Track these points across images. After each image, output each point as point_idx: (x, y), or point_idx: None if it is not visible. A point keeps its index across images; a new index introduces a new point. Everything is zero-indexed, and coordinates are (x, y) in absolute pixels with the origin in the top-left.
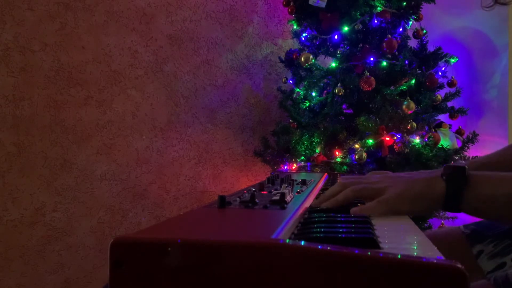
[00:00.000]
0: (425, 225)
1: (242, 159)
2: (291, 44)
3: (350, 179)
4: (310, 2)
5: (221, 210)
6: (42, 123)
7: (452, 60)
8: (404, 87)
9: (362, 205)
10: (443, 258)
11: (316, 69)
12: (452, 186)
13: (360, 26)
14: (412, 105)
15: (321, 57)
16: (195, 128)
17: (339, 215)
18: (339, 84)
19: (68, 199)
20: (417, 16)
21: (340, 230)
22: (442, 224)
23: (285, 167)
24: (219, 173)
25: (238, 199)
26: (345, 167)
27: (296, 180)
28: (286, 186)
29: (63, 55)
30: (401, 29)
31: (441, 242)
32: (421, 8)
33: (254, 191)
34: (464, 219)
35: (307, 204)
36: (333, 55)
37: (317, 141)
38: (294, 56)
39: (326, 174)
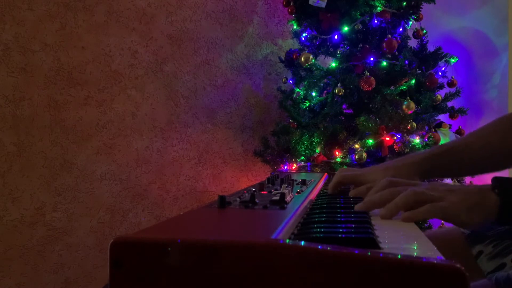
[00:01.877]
0: (425, 225)
1: (242, 159)
2: (291, 44)
3: (400, 184)
4: (310, 2)
5: (221, 210)
6: (42, 123)
7: (452, 60)
8: (404, 87)
9: (413, 211)
10: (443, 258)
11: (316, 69)
12: (505, 199)
13: (360, 26)
14: (412, 105)
15: (321, 57)
16: (195, 128)
17: (338, 215)
18: (339, 84)
19: (68, 199)
20: (417, 16)
21: (340, 230)
22: (442, 224)
23: (285, 167)
24: (219, 173)
25: (238, 199)
26: (345, 167)
27: (296, 180)
28: (286, 186)
29: (63, 55)
30: (401, 29)
31: (441, 242)
32: (421, 8)
33: (254, 191)
34: None
35: (307, 204)
36: (333, 55)
37: (317, 141)
38: (294, 56)
39: (326, 174)
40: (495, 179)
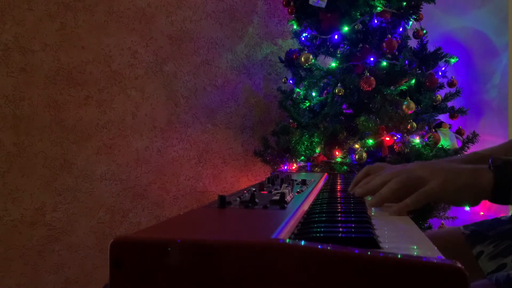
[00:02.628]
0: (425, 225)
1: (242, 159)
2: (291, 44)
3: (392, 169)
4: (310, 2)
5: (221, 210)
6: (42, 123)
7: (452, 60)
8: (404, 87)
9: (401, 203)
10: (443, 258)
11: (316, 69)
12: (501, 178)
13: (360, 26)
14: (412, 105)
15: (321, 57)
16: (195, 128)
17: (339, 215)
18: (339, 84)
19: (68, 199)
20: (417, 16)
21: (340, 230)
22: (442, 224)
23: (285, 167)
24: (219, 173)
25: (238, 199)
26: (345, 167)
27: (296, 180)
28: (286, 186)
29: (63, 55)
30: (401, 29)
31: (441, 242)
32: (421, 8)
33: (254, 191)
34: (464, 219)
35: (307, 204)
36: (333, 55)
37: (317, 141)
38: (294, 56)
39: (326, 174)
40: (494, 159)
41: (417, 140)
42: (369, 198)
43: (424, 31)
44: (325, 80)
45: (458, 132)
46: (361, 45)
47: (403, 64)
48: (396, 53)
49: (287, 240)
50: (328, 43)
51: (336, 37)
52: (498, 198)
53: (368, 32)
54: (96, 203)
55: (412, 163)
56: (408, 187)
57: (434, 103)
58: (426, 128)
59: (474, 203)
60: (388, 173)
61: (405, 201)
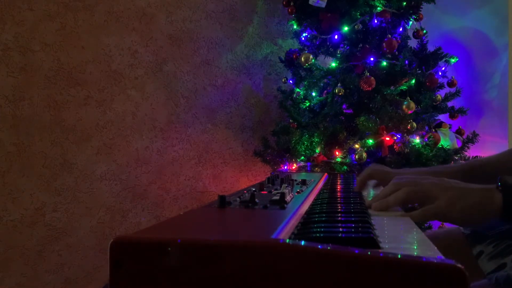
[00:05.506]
0: (425, 225)
1: (242, 159)
2: (291, 44)
3: (404, 179)
4: (310, 2)
5: (221, 210)
6: (42, 123)
7: (452, 60)
8: (404, 87)
9: (407, 214)
10: (443, 258)
11: (316, 69)
12: (508, 197)
13: (360, 26)
14: (412, 105)
15: (321, 57)
16: (195, 128)
17: (339, 215)
18: (339, 84)
19: (68, 199)
20: (417, 16)
21: (340, 230)
22: (442, 224)
23: (285, 167)
24: (219, 173)
25: (238, 199)
26: (345, 167)
27: (296, 180)
28: (286, 186)
29: (63, 55)
30: (401, 29)
31: (441, 242)
32: (421, 8)
33: (254, 191)
34: None
35: (307, 204)
36: (333, 55)
37: (317, 141)
38: (294, 56)
39: (326, 174)
40: (501, 179)
41: (417, 140)
42: (369, 198)
43: (424, 31)
44: (325, 80)
45: (458, 132)
46: (361, 45)
47: (403, 64)
48: (396, 53)
49: (287, 240)
50: (328, 43)
51: (336, 37)
52: (509, 217)
53: (368, 32)
54: (96, 203)
55: (424, 176)
56: (415, 200)
57: (434, 103)
58: (426, 128)
59: (482, 223)
60: (401, 182)
61: (412, 213)
